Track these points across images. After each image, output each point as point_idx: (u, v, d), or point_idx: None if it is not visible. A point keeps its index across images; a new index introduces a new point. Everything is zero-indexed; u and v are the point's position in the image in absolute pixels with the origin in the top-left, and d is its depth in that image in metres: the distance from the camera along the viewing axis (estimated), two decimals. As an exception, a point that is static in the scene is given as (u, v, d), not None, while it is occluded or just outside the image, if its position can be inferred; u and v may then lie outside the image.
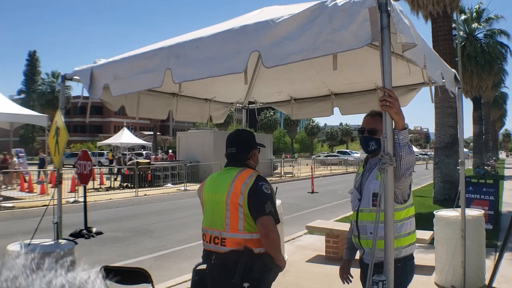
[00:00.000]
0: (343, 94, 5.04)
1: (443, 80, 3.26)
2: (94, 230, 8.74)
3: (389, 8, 1.92)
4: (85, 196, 9.01)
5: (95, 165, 32.41)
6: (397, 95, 4.74)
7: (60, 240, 3.66)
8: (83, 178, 8.93)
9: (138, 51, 3.15)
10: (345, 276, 2.74)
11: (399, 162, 2.04)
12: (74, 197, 13.51)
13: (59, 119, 3.89)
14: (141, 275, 2.78)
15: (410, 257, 2.43)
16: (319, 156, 50.52)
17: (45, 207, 4.15)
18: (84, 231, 8.58)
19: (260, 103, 5.69)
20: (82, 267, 0.73)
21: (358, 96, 4.95)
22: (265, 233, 2.30)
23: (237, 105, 5.67)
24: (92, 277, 0.69)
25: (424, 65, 2.47)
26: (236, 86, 4.94)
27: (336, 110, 5.17)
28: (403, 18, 2.03)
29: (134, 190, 15.96)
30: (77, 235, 8.41)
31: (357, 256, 2.67)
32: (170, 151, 37.34)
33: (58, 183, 3.95)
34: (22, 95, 63.40)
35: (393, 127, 2.02)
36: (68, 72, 3.80)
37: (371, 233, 2.28)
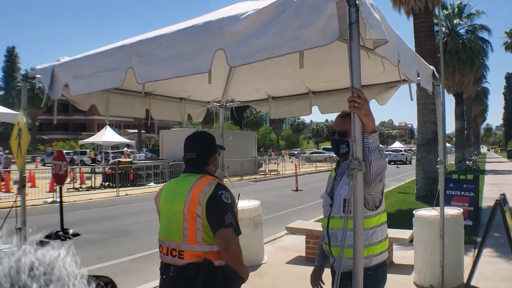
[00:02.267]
0: (322, 92, 4.94)
1: (418, 78, 3.16)
2: (71, 231, 8.42)
3: (357, 2, 1.80)
4: (61, 197, 8.66)
5: (77, 164, 31.80)
6: (375, 93, 4.69)
7: (24, 246, 3.46)
8: (59, 178, 8.63)
9: (101, 49, 2.98)
10: (316, 283, 2.62)
11: (368, 167, 1.92)
12: (53, 197, 13.17)
13: (22, 119, 3.70)
14: (106, 283, 2.64)
15: (382, 264, 2.32)
16: (302, 153, 50.32)
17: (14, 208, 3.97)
18: (61, 232, 8.32)
19: (238, 101, 5.55)
20: (51, 244, 0.71)
21: (336, 94, 4.85)
22: (224, 247, 2.15)
23: (214, 104, 5.52)
24: (62, 254, 0.68)
25: (398, 62, 2.36)
26: (212, 84, 4.77)
27: (316, 108, 5.07)
28: (373, 12, 1.90)
29: (115, 189, 15.66)
30: (53, 237, 8.16)
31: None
32: (126, 148, 34.56)
33: (21, 186, 3.75)
34: (1, 92, 61.92)
35: (363, 129, 1.90)
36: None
37: (341, 240, 2.16)
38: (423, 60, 3.58)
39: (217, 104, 5.47)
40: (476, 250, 5.04)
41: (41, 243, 0.73)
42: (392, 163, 36.77)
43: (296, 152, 52.38)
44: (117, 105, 4.29)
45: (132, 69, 2.56)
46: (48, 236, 8.05)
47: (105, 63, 2.78)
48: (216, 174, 2.53)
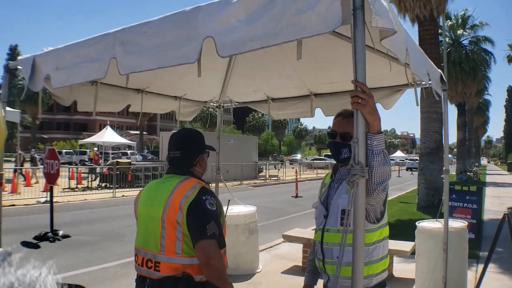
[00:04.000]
0: (324, 94, 4.71)
1: (430, 81, 2.93)
2: (60, 233, 8.27)
3: (363, -15, 1.58)
4: (51, 197, 8.50)
5: (76, 164, 31.40)
6: (380, 97, 4.43)
7: (3, 265, 3.22)
8: (50, 178, 8.43)
9: (85, 38, 2.76)
10: None
11: (370, 173, 1.64)
12: (46, 196, 12.92)
13: (0, 113, 3.46)
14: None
15: (382, 284, 2.05)
16: (301, 161, 50.55)
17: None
18: (50, 234, 8.09)
19: (236, 102, 5.32)
20: (32, 264, 0.69)
21: (340, 97, 4.60)
22: (205, 261, 1.87)
23: (211, 104, 5.29)
24: (43, 274, 0.67)
25: (406, 59, 2.13)
26: (208, 83, 4.56)
27: (319, 111, 4.83)
28: (380, -2, 1.68)
29: (111, 190, 15.42)
30: (41, 238, 7.93)
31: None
32: (96, 149, 30.84)
33: (-2, 185, 3.50)
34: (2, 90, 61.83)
35: (367, 130, 1.65)
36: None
37: (338, 257, 1.90)
38: (431, 62, 3.35)
39: (214, 104, 5.25)
40: (481, 266, 4.79)
41: (24, 244, 0.66)
42: (408, 170, 43.91)
43: (297, 158, 51.99)
44: (100, 100, 4.03)
45: (115, 59, 2.35)
46: (37, 237, 7.89)
47: (87, 53, 2.56)
48: (212, 177, 2.29)
